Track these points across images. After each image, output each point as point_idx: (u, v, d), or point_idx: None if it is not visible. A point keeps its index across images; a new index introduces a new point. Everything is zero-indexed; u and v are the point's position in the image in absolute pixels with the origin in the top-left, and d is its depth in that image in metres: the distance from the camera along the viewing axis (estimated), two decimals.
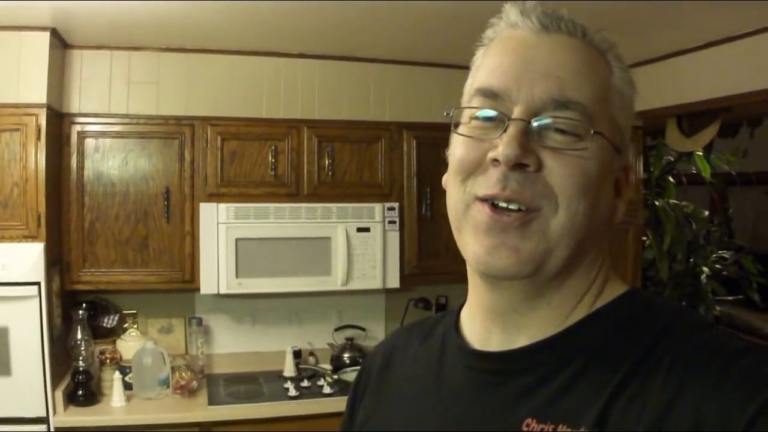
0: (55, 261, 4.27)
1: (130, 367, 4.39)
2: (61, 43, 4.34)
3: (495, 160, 0.96)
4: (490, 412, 1.03)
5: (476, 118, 1.02)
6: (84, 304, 4.48)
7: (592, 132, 0.96)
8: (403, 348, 1.29)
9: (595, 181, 0.97)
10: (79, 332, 4.26)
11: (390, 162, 4.89)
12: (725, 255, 6.87)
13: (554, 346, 1.01)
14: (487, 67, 1.03)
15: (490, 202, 0.97)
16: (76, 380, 4.20)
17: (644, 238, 5.85)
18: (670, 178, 6.49)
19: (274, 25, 4.19)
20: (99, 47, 4.50)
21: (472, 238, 1.00)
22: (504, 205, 0.96)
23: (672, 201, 6.32)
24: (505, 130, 0.96)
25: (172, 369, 4.47)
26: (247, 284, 4.59)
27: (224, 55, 4.70)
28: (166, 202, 4.54)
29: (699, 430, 0.81)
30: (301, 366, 4.91)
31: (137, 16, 3.92)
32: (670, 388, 0.85)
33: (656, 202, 6.15)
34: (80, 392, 4.19)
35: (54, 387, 4.04)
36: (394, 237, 4.84)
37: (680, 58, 4.60)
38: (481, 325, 1.11)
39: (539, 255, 0.97)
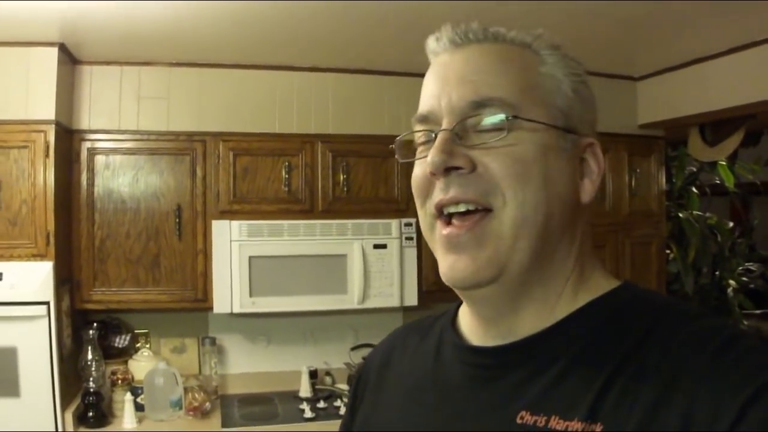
0: (65, 280, 4.20)
1: (142, 388, 4.31)
2: (70, 59, 4.30)
3: (432, 174, 1.01)
4: (485, 407, 1.05)
5: (420, 143, 1.10)
6: (95, 324, 4.41)
7: (508, 118, 0.99)
8: (401, 347, 1.32)
9: (533, 165, 0.99)
10: (89, 352, 4.20)
11: (406, 177, 4.74)
12: (752, 267, 6.76)
13: (546, 339, 1.03)
14: (421, 97, 1.10)
15: (445, 216, 1.03)
16: (86, 401, 4.13)
17: (668, 251, 5.74)
18: (693, 189, 6.38)
19: (286, 39, 4.14)
20: (108, 63, 4.45)
21: (440, 257, 1.06)
22: (454, 209, 1.01)
23: (696, 212, 6.22)
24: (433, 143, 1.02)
25: (185, 390, 4.39)
26: (261, 303, 4.50)
27: (236, 70, 4.64)
28: (177, 220, 4.47)
29: (690, 422, 0.82)
30: (317, 386, 4.83)
31: (147, 30, 3.89)
32: (662, 378, 0.87)
33: (680, 214, 6.05)
34: (90, 414, 4.11)
35: (64, 408, 3.98)
36: (411, 253, 4.74)
37: (702, 65, 4.53)
38: (477, 326, 1.13)
39: (498, 258, 1.00)
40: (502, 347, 1.06)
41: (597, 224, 4.85)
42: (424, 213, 1.07)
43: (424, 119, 1.06)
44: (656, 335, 0.92)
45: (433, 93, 1.05)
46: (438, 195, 1.02)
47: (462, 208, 1.00)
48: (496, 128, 0.99)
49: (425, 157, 1.03)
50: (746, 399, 0.79)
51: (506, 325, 1.06)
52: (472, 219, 1.00)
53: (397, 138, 1.15)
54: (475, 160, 0.99)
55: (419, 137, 1.09)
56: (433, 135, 1.02)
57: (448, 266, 1.02)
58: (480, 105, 1.00)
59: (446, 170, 0.99)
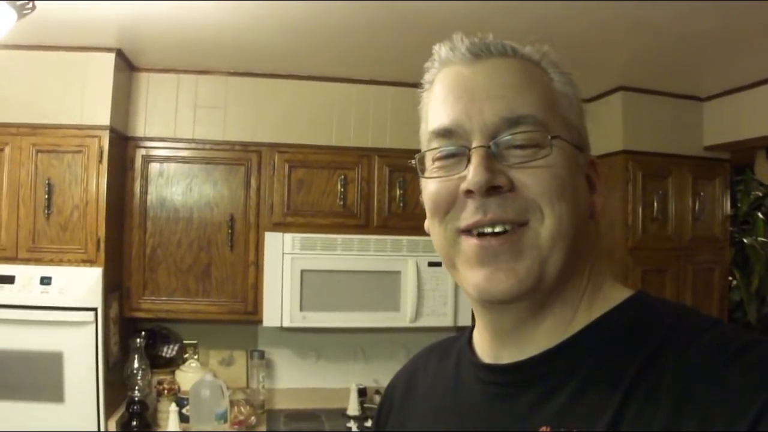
0: (115, 287, 4.20)
1: (187, 399, 4.28)
2: (127, 66, 4.31)
3: (468, 192, 0.99)
4: (505, 424, 1.04)
5: (438, 158, 1.06)
6: (143, 332, 4.40)
7: (549, 138, 0.99)
8: (423, 369, 1.32)
9: (568, 182, 1.00)
10: (136, 361, 4.19)
11: None
12: None
13: (562, 354, 1.02)
14: (435, 109, 1.07)
15: (476, 231, 1.00)
16: (130, 410, 4.11)
17: (731, 278, 5.58)
18: (759, 215, 6.22)
19: (344, 50, 4.11)
20: (166, 70, 4.46)
21: (467, 271, 1.03)
22: (490, 230, 0.99)
23: (761, 239, 6.06)
24: (469, 161, 0.99)
25: (231, 403, 4.35)
26: (312, 318, 4.45)
27: (293, 80, 4.61)
28: (230, 230, 4.44)
29: (709, 428, 0.81)
30: (365, 405, 4.75)
31: (204, 38, 3.88)
32: (679, 388, 0.86)
33: (744, 240, 5.90)
34: (134, 423, 4.09)
35: (108, 416, 3.96)
36: None
37: None
38: (490, 344, 1.13)
39: (536, 268, 0.99)
40: (518, 364, 1.05)
41: (659, 248, 4.77)
42: (444, 229, 1.05)
43: (448, 133, 1.04)
44: (672, 344, 0.92)
45: (456, 107, 1.03)
46: (473, 216, 0.99)
47: (498, 229, 0.99)
48: (533, 145, 0.99)
49: (445, 175, 1.03)
50: (762, 404, 0.78)
51: (522, 340, 1.06)
52: (506, 237, 0.99)
53: (419, 153, 1.10)
54: (513, 178, 0.98)
55: (438, 153, 1.05)
56: (466, 151, 1.00)
57: (484, 279, 1.00)
58: (514, 122, 0.99)
59: (488, 190, 0.97)
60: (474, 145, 0.99)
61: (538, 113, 1.00)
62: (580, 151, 1.05)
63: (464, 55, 1.06)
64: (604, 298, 1.05)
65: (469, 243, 1.01)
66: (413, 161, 1.11)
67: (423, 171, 1.09)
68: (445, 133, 1.03)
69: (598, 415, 0.91)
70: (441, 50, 1.09)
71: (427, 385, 1.27)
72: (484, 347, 1.15)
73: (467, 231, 1.01)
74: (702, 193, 4.98)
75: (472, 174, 0.97)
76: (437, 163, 1.05)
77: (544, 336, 1.03)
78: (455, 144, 1.02)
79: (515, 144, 0.99)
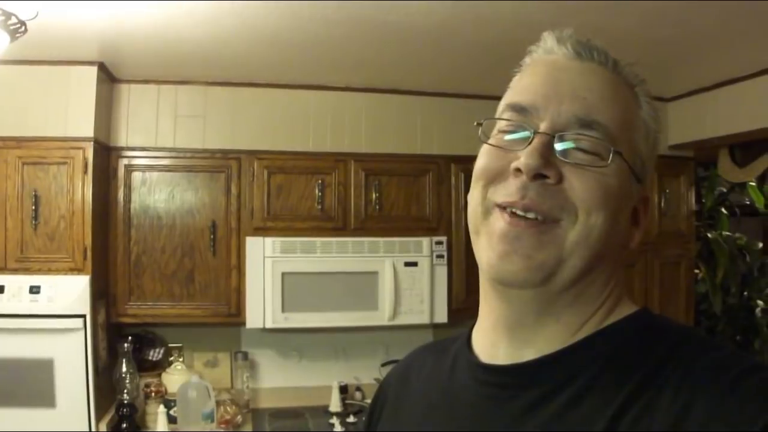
0: (101, 294, 4.28)
1: (174, 401, 4.37)
2: (108, 77, 4.39)
3: (517, 170, 0.99)
4: (499, 426, 1.03)
5: (503, 130, 1.06)
6: (130, 337, 4.48)
7: (612, 150, 0.99)
8: (418, 366, 1.31)
9: (613, 199, 1.00)
10: (124, 365, 4.28)
11: (438, 195, 4.86)
12: None
13: (562, 360, 1.02)
14: (519, 86, 1.09)
15: (509, 210, 1.00)
16: (120, 413, 4.21)
17: (696, 271, 5.75)
18: (723, 210, 6.39)
19: (320, 59, 4.20)
20: (146, 81, 4.54)
21: (486, 242, 1.03)
22: (522, 213, 0.99)
23: (725, 233, 6.23)
24: (529, 143, 0.99)
25: (217, 403, 4.45)
26: (294, 319, 4.55)
27: (270, 89, 4.72)
28: (212, 236, 4.54)
29: None
30: (347, 401, 4.87)
31: (183, 50, 3.96)
32: (678, 405, 0.86)
33: (709, 235, 6.06)
34: (124, 425, 4.20)
35: (98, 419, 4.04)
36: (442, 271, 4.79)
37: (732, 87, 4.54)
38: (489, 338, 1.13)
39: (551, 264, 0.99)
40: (516, 366, 1.06)
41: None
42: (483, 197, 1.05)
43: (522, 110, 1.04)
44: (676, 361, 0.92)
45: (539, 91, 1.04)
46: (511, 195, 0.99)
47: (531, 215, 0.98)
48: (595, 153, 0.99)
49: (505, 147, 1.03)
50: (762, 428, 0.78)
51: (522, 338, 1.06)
52: (535, 224, 0.99)
53: (488, 119, 1.10)
54: (563, 174, 0.98)
55: (506, 125, 1.06)
56: (532, 134, 1.00)
57: (499, 257, 1.00)
58: (585, 124, 1.00)
59: (535, 175, 0.98)
60: (540, 130, 1.00)
61: (612, 126, 1.00)
62: (636, 181, 1.04)
63: (568, 50, 1.07)
64: (614, 317, 1.05)
65: (499, 219, 1.01)
66: (480, 124, 1.10)
67: (486, 137, 1.08)
68: (519, 109, 1.04)
69: (593, 424, 0.91)
70: (548, 39, 1.10)
71: (421, 381, 1.26)
72: (483, 343, 1.14)
73: (502, 207, 1.01)
74: (668, 190, 5.15)
75: (526, 155, 0.98)
76: (501, 135, 1.06)
77: (545, 340, 1.04)
78: (524, 122, 1.02)
79: (578, 146, 0.99)
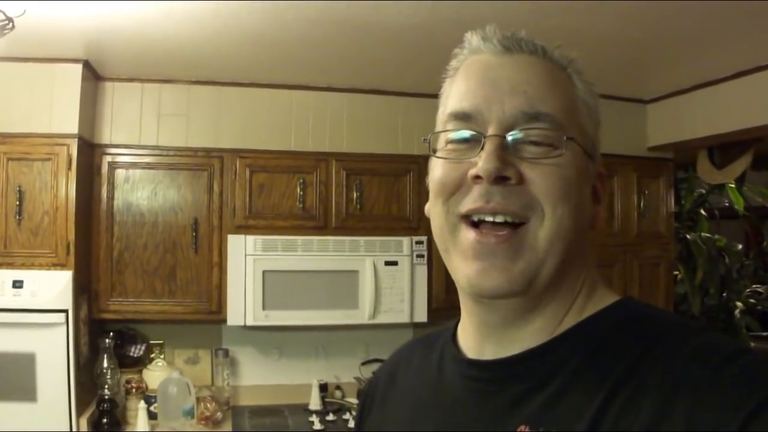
0: (84, 289, 4.30)
1: (155, 397, 4.39)
2: (93, 75, 4.42)
3: (477, 177, 0.98)
4: (484, 420, 1.04)
5: (452, 141, 1.05)
6: (111, 333, 4.50)
7: (564, 139, 0.99)
8: (406, 362, 1.31)
9: (574, 186, 1.01)
10: (105, 361, 4.30)
11: (418, 195, 4.87)
12: (760, 289, 6.79)
13: (547, 352, 1.02)
14: (456, 93, 1.07)
15: (475, 219, 1.00)
16: (101, 408, 4.23)
17: (676, 272, 5.80)
18: (702, 212, 6.45)
19: (302, 59, 4.24)
20: (130, 79, 4.57)
21: (461, 262, 1.03)
22: (490, 219, 0.99)
23: (704, 234, 6.29)
24: (482, 148, 0.99)
25: (198, 400, 4.47)
26: (274, 316, 4.58)
27: (253, 88, 4.75)
28: (194, 233, 4.57)
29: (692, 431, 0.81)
30: (327, 400, 4.89)
31: (168, 48, 3.98)
32: (663, 393, 0.86)
33: (688, 236, 6.12)
34: (105, 420, 4.21)
35: (79, 414, 4.06)
36: (422, 271, 4.81)
37: (710, 89, 4.59)
38: (474, 338, 1.13)
39: (530, 270, 0.99)
40: (502, 360, 1.06)
41: (606, 244, 4.94)
42: (446, 212, 1.04)
43: (466, 117, 1.03)
44: (659, 349, 0.92)
45: (478, 93, 1.02)
46: (475, 201, 0.99)
47: (499, 219, 0.98)
48: (547, 144, 0.99)
49: (457, 157, 1.02)
50: (747, 414, 0.78)
51: (507, 338, 1.06)
52: (504, 230, 0.99)
53: (433, 132, 1.09)
54: (523, 173, 0.98)
55: (451, 135, 1.04)
56: (481, 138, 0.99)
57: (477, 273, 0.99)
58: (532, 118, 0.99)
59: (496, 179, 0.97)
60: (489, 133, 0.99)
61: (557, 114, 1.00)
62: (591, 160, 1.05)
63: (495, 46, 1.05)
64: (594, 304, 1.05)
65: (468, 235, 1.01)
66: (426, 140, 1.09)
67: (435, 151, 1.07)
68: (462, 117, 1.03)
69: (579, 416, 0.91)
70: (473, 39, 1.09)
71: (409, 378, 1.26)
72: (468, 342, 1.14)
73: (467, 217, 1.00)
74: (647, 191, 5.19)
75: (483, 160, 0.97)
76: (450, 146, 1.04)
77: (531, 336, 1.04)
78: (471, 129, 1.01)
79: (530, 140, 0.99)
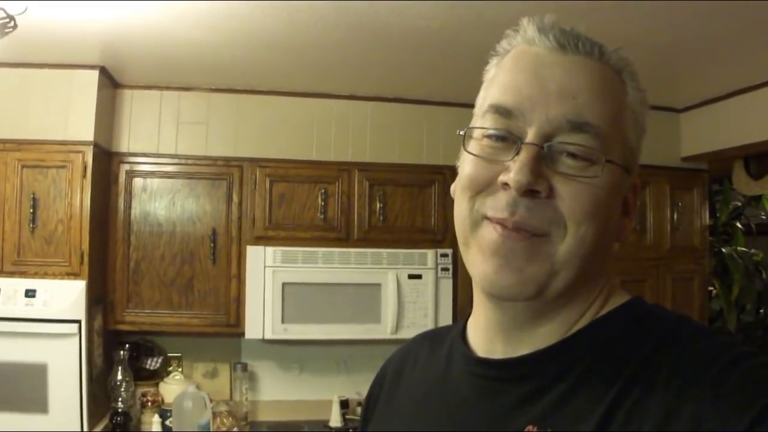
0: (99, 300, 4.25)
1: (170, 411, 4.32)
2: (111, 83, 4.39)
3: (506, 184, 0.95)
4: (491, 419, 1.02)
5: (488, 136, 1.00)
6: (127, 345, 4.45)
7: (604, 160, 0.95)
8: (414, 357, 1.29)
9: (604, 207, 0.97)
10: (119, 373, 4.26)
11: (443, 207, 4.77)
12: None
13: (555, 354, 1.00)
14: (500, 83, 1.02)
15: (496, 222, 0.97)
16: (114, 421, 4.17)
17: (710, 287, 5.63)
18: (738, 225, 6.30)
19: (324, 66, 4.18)
20: (149, 87, 4.54)
21: (480, 257, 1.00)
22: (511, 226, 0.96)
23: (740, 249, 6.14)
24: (517, 153, 0.95)
25: (214, 414, 4.40)
26: (293, 330, 4.50)
27: (274, 96, 4.69)
28: (212, 244, 4.50)
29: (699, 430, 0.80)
30: (347, 416, 4.79)
31: (186, 56, 3.96)
32: (671, 395, 0.85)
33: (723, 250, 5.96)
34: None
35: (91, 427, 4.01)
36: (446, 284, 4.71)
37: (747, 96, 4.47)
38: (485, 336, 1.10)
39: (543, 277, 0.96)
40: (511, 360, 1.04)
41: (637, 258, 4.82)
42: (470, 208, 1.00)
43: (506, 113, 0.98)
44: (666, 350, 0.90)
45: (524, 91, 0.98)
46: (501, 211, 0.95)
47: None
48: (586, 159, 0.95)
49: (491, 156, 0.98)
50: (754, 417, 0.77)
51: (518, 339, 1.04)
52: (526, 236, 0.95)
53: (471, 126, 1.03)
54: (554, 187, 0.94)
55: (491, 131, 0.99)
56: (520, 143, 0.95)
57: (492, 270, 0.97)
58: (576, 127, 0.95)
59: (525, 191, 0.93)
60: (528, 139, 0.95)
61: (603, 126, 0.95)
62: (627, 173, 1.01)
63: (550, 42, 1.00)
64: (606, 308, 1.03)
65: (490, 232, 0.97)
66: (463, 132, 1.03)
67: (468, 142, 1.02)
68: (503, 112, 0.98)
69: (587, 416, 0.90)
70: (528, 27, 1.03)
71: (416, 373, 1.25)
72: (478, 339, 1.13)
73: (492, 220, 0.98)
74: (680, 204, 5.05)
75: (515, 171, 0.93)
76: (486, 141, 1.00)
77: (541, 338, 1.02)
78: (510, 127, 0.97)
79: (569, 151, 0.95)
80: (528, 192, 0.93)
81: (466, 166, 1.02)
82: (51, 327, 3.91)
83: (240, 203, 4.56)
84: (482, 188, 0.99)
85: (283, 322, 4.45)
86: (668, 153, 5.03)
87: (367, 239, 4.70)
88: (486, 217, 0.98)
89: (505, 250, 0.96)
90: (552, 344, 1.01)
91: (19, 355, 3.92)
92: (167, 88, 4.55)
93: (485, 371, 1.07)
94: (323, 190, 4.64)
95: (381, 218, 4.72)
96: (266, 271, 4.45)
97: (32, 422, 3.88)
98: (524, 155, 0.93)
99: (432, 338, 1.30)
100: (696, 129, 4.94)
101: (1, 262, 4.01)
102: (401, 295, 4.59)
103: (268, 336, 4.45)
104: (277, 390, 4.98)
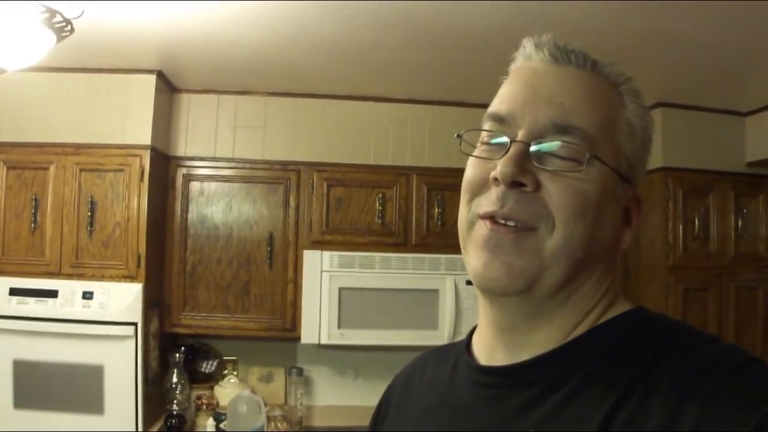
0: (155, 302, 4.27)
1: (225, 414, 4.32)
2: (168, 87, 4.42)
3: (495, 179, 1.01)
4: (494, 426, 1.05)
5: (485, 142, 1.08)
6: (182, 348, 4.47)
7: (587, 156, 1.00)
8: (421, 370, 1.33)
9: (593, 204, 1.01)
10: (175, 375, 4.28)
11: None
12: None
13: (555, 359, 1.03)
14: (499, 95, 1.10)
15: (488, 218, 1.02)
16: (168, 424, 4.19)
17: None
18: None
19: (381, 70, 4.16)
20: (206, 91, 4.56)
21: (473, 253, 1.05)
22: (503, 221, 1.01)
23: None
24: (506, 151, 1.01)
25: (268, 419, 4.39)
26: (350, 335, 4.47)
27: (331, 100, 4.67)
28: (269, 248, 4.49)
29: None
30: None
31: (243, 59, 3.96)
32: (672, 400, 0.86)
33: None
34: None
35: (146, 428, 4.02)
36: None
37: None
38: (487, 342, 1.15)
39: (531, 272, 1.00)
40: (512, 366, 1.07)
41: (700, 267, 4.70)
42: (468, 210, 1.07)
43: (501, 120, 1.05)
44: (668, 357, 0.93)
45: (517, 98, 1.05)
46: (492, 204, 1.01)
47: (511, 223, 1.00)
48: (572, 158, 1.00)
49: (487, 157, 1.05)
50: (756, 424, 0.79)
51: (518, 343, 1.07)
52: (514, 230, 1.00)
53: (467, 130, 1.12)
54: (541, 182, 0.99)
55: (487, 136, 1.08)
56: (508, 143, 1.01)
57: (483, 264, 1.01)
58: (562, 130, 1.00)
59: (512, 183, 0.99)
60: (518, 138, 1.01)
61: (589, 129, 1.01)
62: (623, 181, 1.05)
63: (545, 55, 1.08)
64: (607, 316, 1.06)
65: (482, 228, 1.02)
66: (460, 136, 1.12)
67: (471, 148, 1.11)
68: (497, 119, 1.06)
69: (587, 420, 0.92)
70: (527, 45, 1.11)
71: (423, 385, 1.28)
72: (481, 346, 1.17)
73: (484, 217, 1.02)
74: (745, 210, 4.91)
75: (501, 164, 0.99)
76: (483, 147, 1.08)
77: (539, 343, 1.05)
78: (503, 133, 1.04)
79: (555, 152, 1.00)
80: (515, 185, 0.99)
81: (467, 170, 1.10)
82: (108, 329, 3.94)
83: (297, 207, 4.55)
84: (478, 189, 1.05)
85: (339, 327, 4.43)
86: (732, 158, 4.88)
87: (425, 244, 4.65)
88: (479, 216, 1.03)
89: (493, 244, 1.00)
90: (552, 350, 1.04)
91: (76, 356, 3.94)
92: (224, 92, 4.57)
93: (487, 379, 1.11)
94: (381, 195, 4.61)
95: (439, 223, 4.67)
96: (323, 276, 4.44)
97: (88, 423, 3.91)
98: (511, 151, 1.00)
99: (439, 353, 1.33)
100: (762, 133, 4.79)
101: (59, 264, 4.05)
102: (459, 301, 4.53)
103: (324, 341, 4.43)
104: (331, 395, 4.97)
